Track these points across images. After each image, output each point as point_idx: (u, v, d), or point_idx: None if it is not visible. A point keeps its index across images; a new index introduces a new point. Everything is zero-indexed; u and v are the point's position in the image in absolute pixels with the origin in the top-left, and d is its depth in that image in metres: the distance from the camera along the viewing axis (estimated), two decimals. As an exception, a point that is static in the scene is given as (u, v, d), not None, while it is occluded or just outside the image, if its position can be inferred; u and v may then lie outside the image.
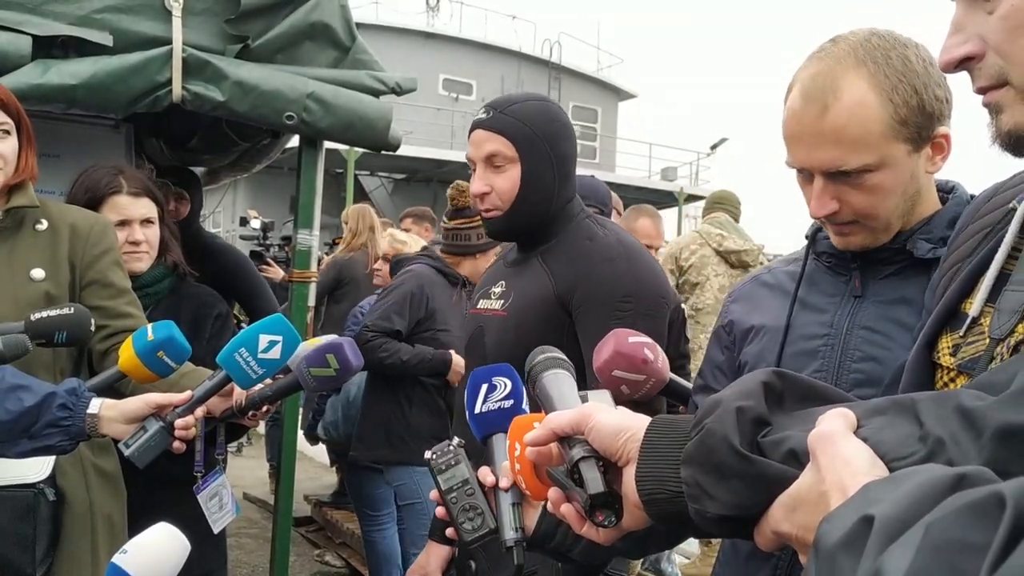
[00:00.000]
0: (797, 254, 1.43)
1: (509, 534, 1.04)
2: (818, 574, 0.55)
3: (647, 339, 1.43)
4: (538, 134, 1.82)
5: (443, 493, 1.10)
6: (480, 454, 1.13)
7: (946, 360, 0.91)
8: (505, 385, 1.11)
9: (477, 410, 1.11)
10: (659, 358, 1.42)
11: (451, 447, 1.12)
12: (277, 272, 6.47)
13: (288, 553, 3.24)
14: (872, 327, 1.26)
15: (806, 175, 1.23)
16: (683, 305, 4.65)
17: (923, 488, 0.52)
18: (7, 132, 1.94)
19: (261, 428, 6.40)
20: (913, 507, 0.51)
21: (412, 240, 4.23)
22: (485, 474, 1.08)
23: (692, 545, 5.03)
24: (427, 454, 1.13)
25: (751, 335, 1.40)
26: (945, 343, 0.92)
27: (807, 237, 1.39)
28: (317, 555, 5.37)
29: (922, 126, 1.18)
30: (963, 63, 0.84)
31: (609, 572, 1.78)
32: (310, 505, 5.87)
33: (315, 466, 6.99)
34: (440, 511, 1.10)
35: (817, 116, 1.17)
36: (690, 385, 1.49)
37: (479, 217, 3.21)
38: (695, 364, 4.27)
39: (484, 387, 1.11)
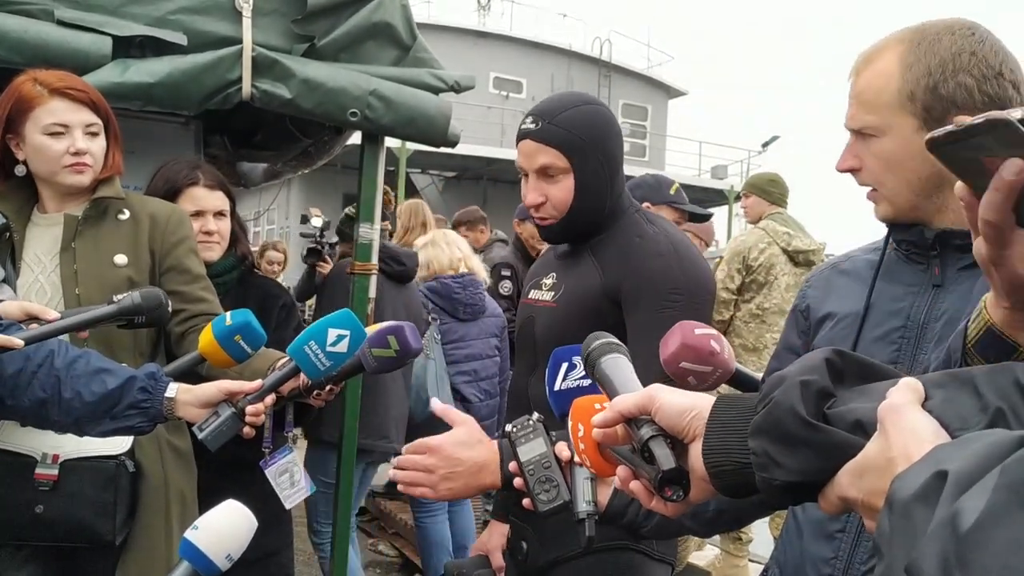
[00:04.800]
0: (877, 243, 1.42)
1: (582, 507, 1.07)
2: (892, 526, 0.58)
3: (713, 331, 1.45)
4: (588, 141, 1.81)
5: (521, 465, 1.13)
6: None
7: None
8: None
9: (557, 387, 1.14)
10: (725, 349, 1.45)
11: (531, 421, 1.16)
12: (333, 268, 6.58)
13: (348, 544, 3.31)
14: (951, 317, 1.24)
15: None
16: (747, 305, 4.54)
17: (992, 447, 0.56)
18: (96, 133, 2.05)
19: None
20: (984, 463, 0.54)
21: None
22: (562, 449, 1.11)
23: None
24: (507, 427, 1.17)
25: (825, 322, 1.40)
26: None
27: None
28: (371, 544, 5.47)
29: (931, 106, 1.22)
30: None
31: (659, 557, 1.80)
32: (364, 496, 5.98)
33: (368, 458, 7.07)
34: (517, 481, 1.14)
35: (851, 78, 1.33)
36: (756, 375, 1.51)
37: None
38: (763, 363, 4.19)
39: (564, 366, 1.14)
